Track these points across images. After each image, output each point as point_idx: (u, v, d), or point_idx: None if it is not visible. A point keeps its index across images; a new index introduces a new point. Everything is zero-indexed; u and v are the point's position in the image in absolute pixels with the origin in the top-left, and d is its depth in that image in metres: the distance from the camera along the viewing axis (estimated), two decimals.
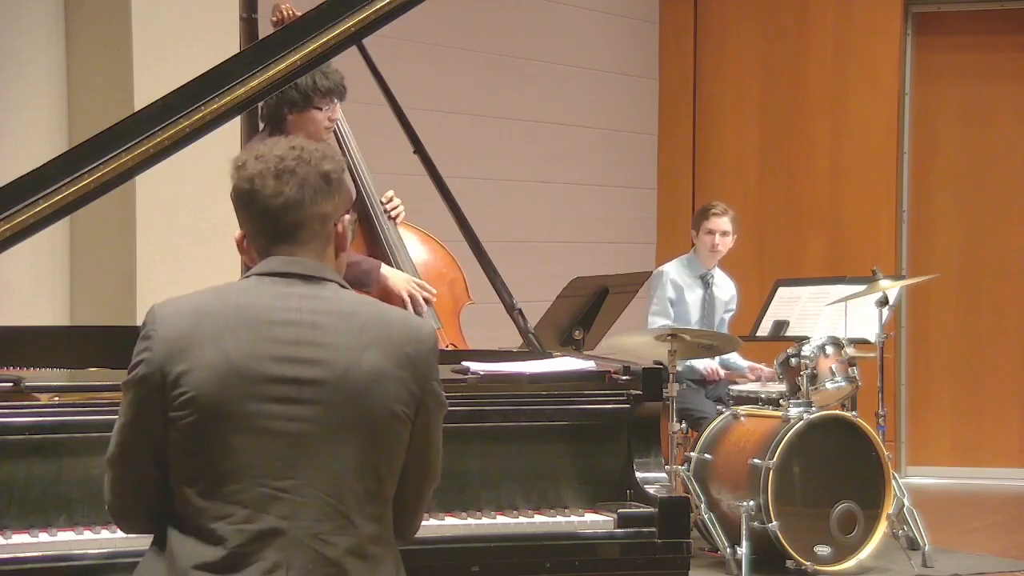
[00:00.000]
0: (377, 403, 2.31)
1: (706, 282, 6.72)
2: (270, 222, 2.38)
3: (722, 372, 6.66)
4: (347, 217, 2.49)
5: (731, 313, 6.85)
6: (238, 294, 2.36)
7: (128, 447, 2.32)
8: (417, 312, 4.35)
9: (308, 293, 2.35)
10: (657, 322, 6.54)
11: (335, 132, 4.54)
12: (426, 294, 4.42)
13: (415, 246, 4.59)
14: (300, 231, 2.38)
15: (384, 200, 4.56)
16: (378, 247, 4.50)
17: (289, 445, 2.27)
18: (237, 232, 2.45)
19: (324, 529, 2.27)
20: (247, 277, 2.40)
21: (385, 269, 4.41)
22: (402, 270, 4.47)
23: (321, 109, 4.38)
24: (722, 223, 6.66)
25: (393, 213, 4.55)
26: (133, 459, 2.33)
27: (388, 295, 4.34)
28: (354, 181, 4.53)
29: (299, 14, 3.85)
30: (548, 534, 3.03)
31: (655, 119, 9.09)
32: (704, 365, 6.57)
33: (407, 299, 4.34)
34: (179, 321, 2.29)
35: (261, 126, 4.51)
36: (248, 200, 2.38)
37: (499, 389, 3.23)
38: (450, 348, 4.36)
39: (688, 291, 6.68)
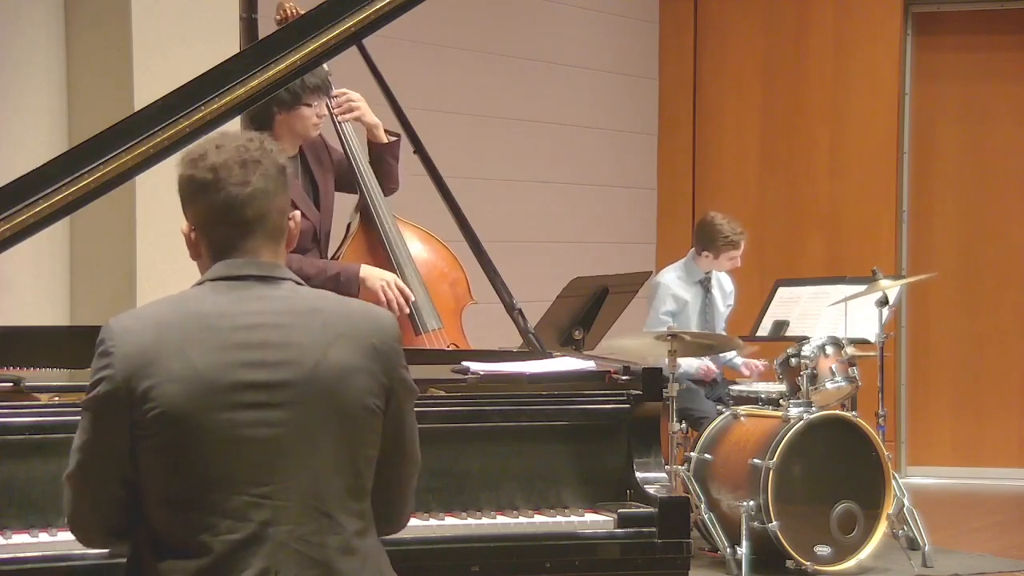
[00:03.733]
0: (349, 398, 2.28)
1: (705, 286, 6.70)
2: (233, 213, 2.33)
3: (716, 368, 6.63)
4: (296, 213, 2.46)
5: (730, 308, 6.83)
6: (196, 302, 2.31)
7: (89, 466, 2.28)
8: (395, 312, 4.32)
9: (266, 294, 2.32)
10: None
11: (336, 129, 4.53)
12: (401, 300, 4.36)
13: (417, 245, 4.57)
14: (263, 222, 2.34)
15: (337, 93, 4.48)
16: (379, 245, 4.48)
17: (265, 450, 2.24)
18: (184, 224, 2.40)
19: (308, 531, 2.25)
20: (200, 284, 2.35)
21: (364, 271, 4.38)
22: (403, 269, 4.44)
23: (310, 106, 4.37)
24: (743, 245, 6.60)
25: (341, 108, 4.47)
26: (95, 478, 2.28)
27: (371, 298, 4.30)
28: (356, 178, 4.51)
29: (302, 12, 3.85)
30: (548, 534, 3.03)
31: (655, 119, 9.09)
32: (696, 366, 6.55)
33: (383, 299, 4.29)
34: (140, 335, 2.24)
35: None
36: (210, 190, 2.33)
37: (499, 389, 3.23)
38: (451, 348, 4.35)
39: (689, 299, 6.63)
